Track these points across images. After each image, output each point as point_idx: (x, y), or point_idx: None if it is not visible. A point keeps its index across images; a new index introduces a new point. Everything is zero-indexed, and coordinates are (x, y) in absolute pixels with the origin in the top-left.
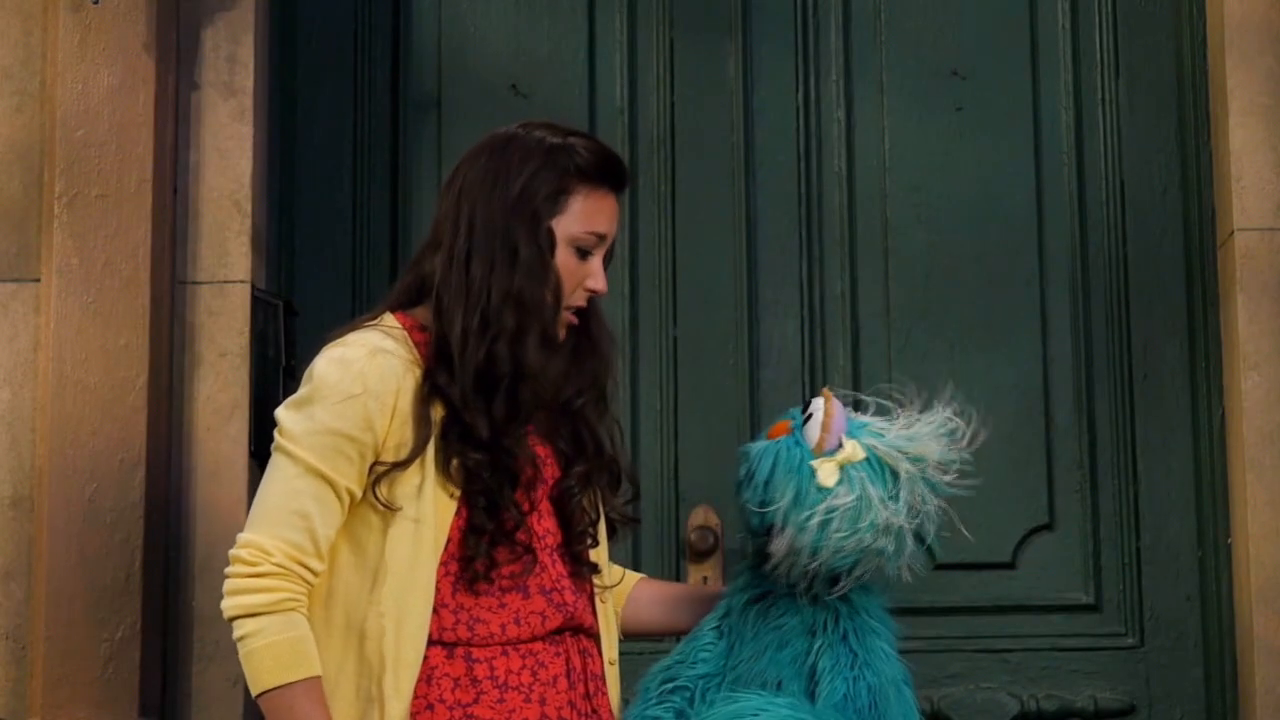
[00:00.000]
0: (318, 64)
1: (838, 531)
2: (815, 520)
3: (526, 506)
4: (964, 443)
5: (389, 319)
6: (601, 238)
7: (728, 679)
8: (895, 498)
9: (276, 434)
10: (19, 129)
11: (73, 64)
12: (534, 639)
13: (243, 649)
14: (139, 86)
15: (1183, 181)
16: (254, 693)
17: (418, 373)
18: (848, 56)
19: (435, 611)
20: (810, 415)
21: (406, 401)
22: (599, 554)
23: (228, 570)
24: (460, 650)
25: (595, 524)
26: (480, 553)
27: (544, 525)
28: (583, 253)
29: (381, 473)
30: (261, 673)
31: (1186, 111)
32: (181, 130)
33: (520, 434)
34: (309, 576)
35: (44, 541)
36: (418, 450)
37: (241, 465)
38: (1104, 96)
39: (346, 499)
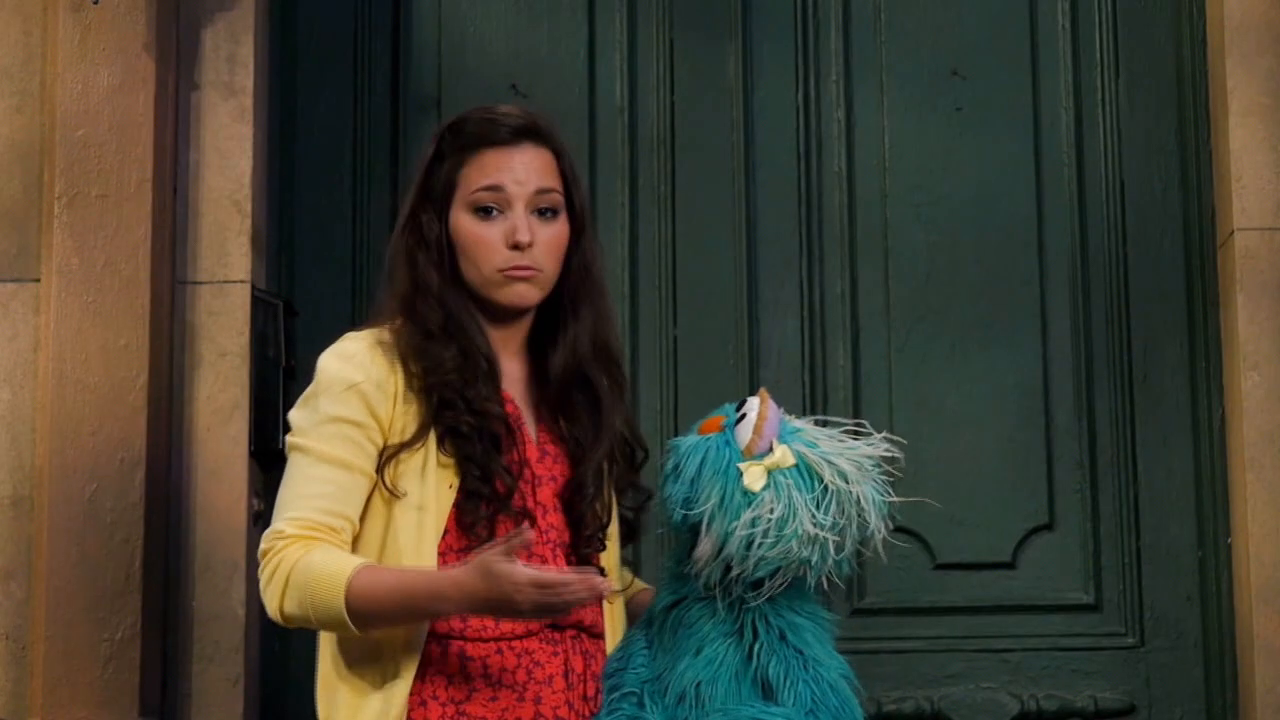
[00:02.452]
0: (318, 64)
1: (764, 539)
2: (740, 528)
3: (516, 469)
4: (891, 468)
5: (397, 322)
6: (492, 188)
7: (656, 689)
8: (821, 508)
9: (289, 436)
10: (19, 129)
11: (73, 64)
12: (529, 634)
13: (308, 618)
14: (139, 86)
15: (1183, 181)
16: (359, 631)
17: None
18: (848, 56)
19: None
20: (744, 415)
21: (408, 390)
22: (608, 558)
23: (259, 571)
24: (455, 646)
25: (605, 528)
26: (480, 518)
27: (548, 520)
28: (485, 211)
29: (390, 455)
30: (330, 609)
31: (1186, 111)
32: (181, 130)
33: (485, 395)
34: (327, 536)
35: (44, 541)
36: (421, 431)
37: (241, 465)
38: (1104, 96)
39: (362, 479)
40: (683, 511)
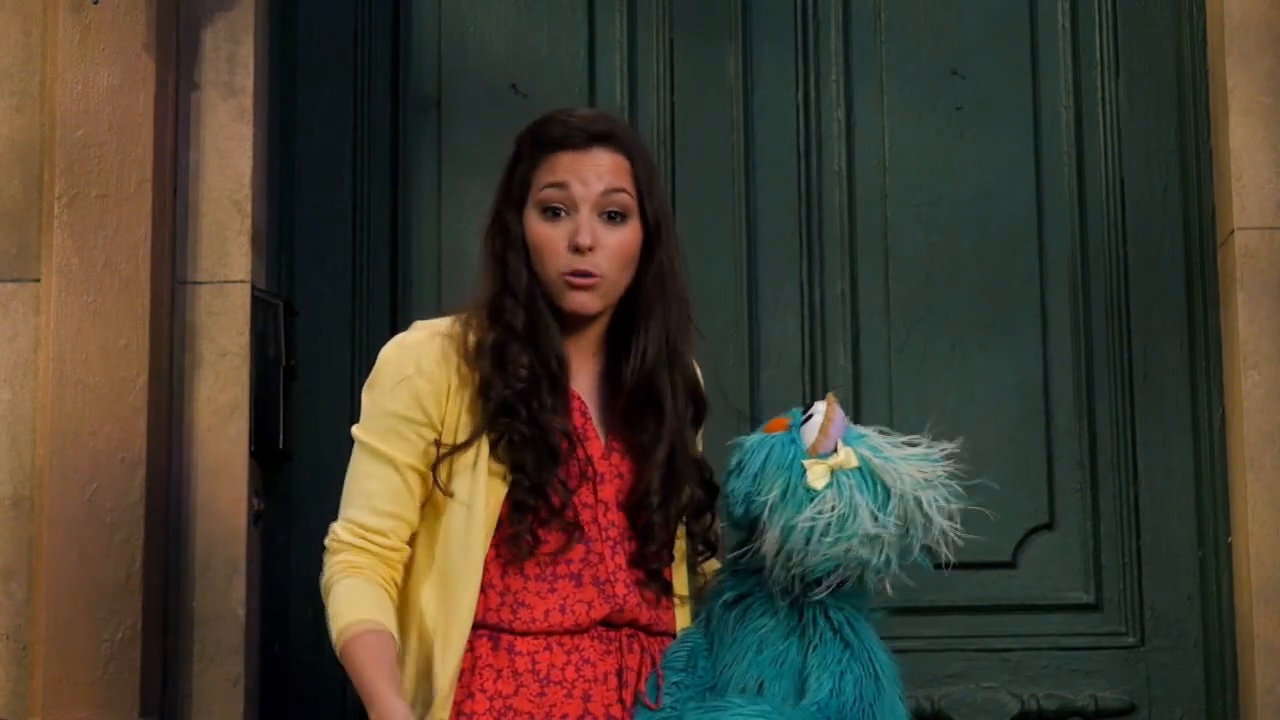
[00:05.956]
0: (318, 64)
1: (824, 537)
2: (801, 521)
3: (573, 483)
4: (952, 470)
5: (470, 318)
6: (559, 186)
7: (717, 686)
8: (883, 510)
9: (356, 424)
10: (19, 129)
11: (73, 64)
12: (579, 631)
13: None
14: (139, 86)
15: (1183, 181)
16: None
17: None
18: (848, 56)
19: (482, 592)
20: (810, 416)
21: (464, 387)
22: (678, 569)
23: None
24: (504, 640)
25: (671, 543)
26: (526, 528)
27: (609, 518)
28: (553, 212)
29: (443, 454)
30: (335, 644)
31: (1186, 111)
32: (181, 130)
33: (549, 406)
34: (373, 547)
35: (44, 541)
36: (477, 433)
37: (241, 465)
38: (1104, 96)
39: (412, 475)
40: (744, 506)
